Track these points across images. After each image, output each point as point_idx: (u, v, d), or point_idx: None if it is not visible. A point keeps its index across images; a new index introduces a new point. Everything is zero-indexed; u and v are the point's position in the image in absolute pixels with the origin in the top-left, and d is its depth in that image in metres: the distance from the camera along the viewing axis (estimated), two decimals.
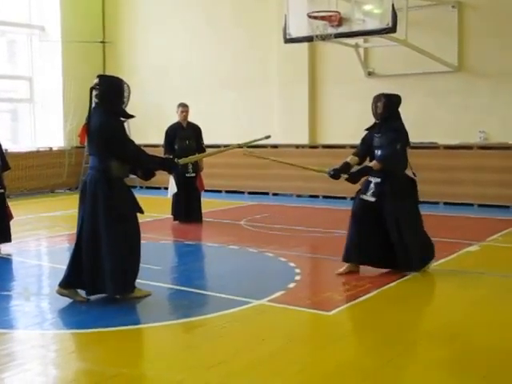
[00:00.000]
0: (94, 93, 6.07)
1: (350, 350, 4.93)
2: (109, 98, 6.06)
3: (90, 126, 6.10)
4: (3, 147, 8.78)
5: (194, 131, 10.83)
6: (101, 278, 5.99)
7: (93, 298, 6.17)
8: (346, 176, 7.19)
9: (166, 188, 10.83)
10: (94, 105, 6.10)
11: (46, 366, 4.70)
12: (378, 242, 6.99)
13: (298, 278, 6.99)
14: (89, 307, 6.04)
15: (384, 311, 5.91)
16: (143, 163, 6.29)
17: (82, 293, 6.13)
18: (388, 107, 7.26)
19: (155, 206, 11.75)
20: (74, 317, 5.85)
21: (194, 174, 10.61)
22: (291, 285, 6.68)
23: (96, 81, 6.12)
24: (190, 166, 10.46)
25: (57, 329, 5.49)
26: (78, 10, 16.84)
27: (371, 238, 6.98)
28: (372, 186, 7.12)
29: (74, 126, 16.57)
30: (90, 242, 6.01)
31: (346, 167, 7.25)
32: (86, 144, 6.34)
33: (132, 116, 6.25)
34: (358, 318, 5.77)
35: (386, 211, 6.96)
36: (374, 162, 7.11)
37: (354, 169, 7.27)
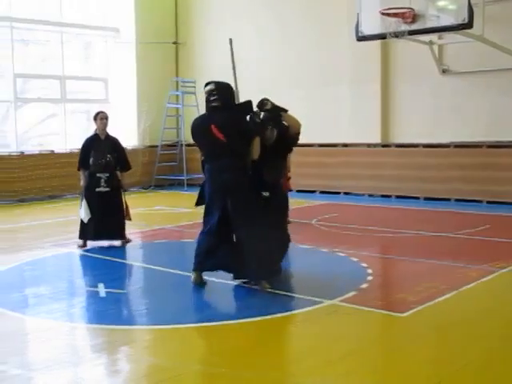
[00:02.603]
0: (212, 98, 6.47)
1: (424, 353, 4.82)
2: (228, 99, 6.51)
3: (220, 125, 6.38)
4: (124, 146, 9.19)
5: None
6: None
7: (164, 295, 6.26)
8: None
9: None
10: (211, 108, 6.50)
11: (119, 360, 4.78)
12: None
13: (370, 278, 6.90)
14: (162, 305, 6.12)
15: (460, 313, 5.76)
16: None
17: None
18: None
19: None
20: (148, 313, 5.94)
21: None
22: (363, 285, 6.59)
23: (211, 87, 6.51)
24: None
25: (132, 324, 5.58)
26: (151, 12, 17.12)
27: None
28: None
29: (147, 126, 16.88)
30: None
31: None
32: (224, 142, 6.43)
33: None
34: (432, 320, 5.62)
35: None
36: None
37: None
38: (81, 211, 8.73)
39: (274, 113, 6.57)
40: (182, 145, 16.81)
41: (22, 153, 14.82)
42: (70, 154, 15.01)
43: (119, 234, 8.86)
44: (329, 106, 14.97)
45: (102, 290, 6.64)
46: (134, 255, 8.66)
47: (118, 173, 8.95)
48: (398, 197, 13.78)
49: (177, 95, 17.35)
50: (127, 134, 17.03)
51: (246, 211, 6.35)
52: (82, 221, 8.73)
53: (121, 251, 9.11)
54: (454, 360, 4.59)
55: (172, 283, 6.87)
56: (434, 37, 12.86)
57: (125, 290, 6.74)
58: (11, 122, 15.38)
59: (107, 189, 8.74)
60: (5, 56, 15.27)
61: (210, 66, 16.58)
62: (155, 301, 6.29)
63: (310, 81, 15.19)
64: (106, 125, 8.99)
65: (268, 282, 6.42)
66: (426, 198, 13.38)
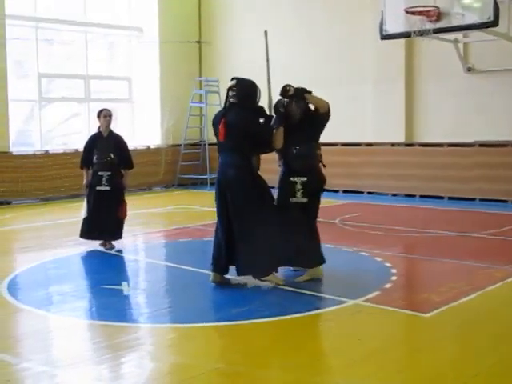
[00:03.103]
0: (231, 93, 6.55)
1: (448, 353, 4.77)
2: (246, 98, 6.53)
3: (228, 122, 6.48)
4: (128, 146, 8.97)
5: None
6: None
7: (187, 294, 6.28)
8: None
9: None
10: (228, 104, 6.58)
11: (142, 358, 4.79)
12: None
13: (394, 278, 6.85)
14: (185, 303, 6.14)
15: (484, 314, 5.70)
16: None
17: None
18: None
19: None
20: (171, 312, 5.96)
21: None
22: (387, 285, 6.55)
23: (233, 82, 6.59)
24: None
25: (155, 323, 5.60)
26: (174, 11, 17.17)
27: None
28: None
29: (170, 125, 16.94)
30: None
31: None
32: (221, 141, 6.57)
33: (271, 116, 6.66)
34: (456, 320, 5.57)
35: None
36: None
37: None
38: (82, 210, 8.64)
39: (298, 95, 6.62)
40: (205, 144, 16.84)
41: (47, 152, 14.95)
42: None
43: (113, 233, 8.60)
44: (353, 104, 14.89)
45: (125, 288, 6.67)
46: (157, 254, 8.69)
47: (123, 171, 8.73)
48: (421, 196, 13.68)
49: (200, 94, 17.38)
50: (151, 133, 17.14)
51: (244, 208, 6.40)
52: (83, 220, 8.63)
53: (144, 250, 9.17)
54: (479, 361, 4.55)
55: (194, 282, 6.88)
56: (458, 35, 12.75)
57: (148, 289, 6.76)
58: (36, 122, 15.52)
59: (108, 188, 8.51)
60: (30, 56, 15.43)
61: (234, 65, 16.59)
62: (177, 299, 6.31)
63: (333, 79, 15.12)
64: (109, 122, 8.74)
65: (276, 277, 6.54)
66: (451, 198, 13.27)
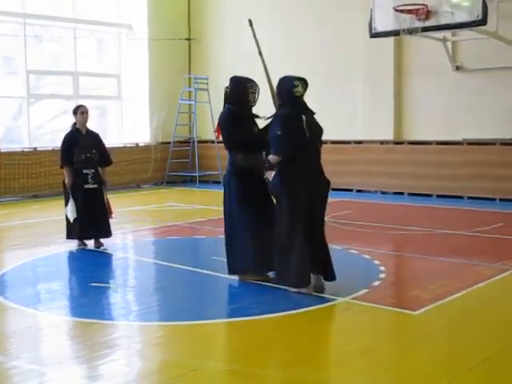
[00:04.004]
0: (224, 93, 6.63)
1: (436, 351, 4.78)
2: (230, 96, 6.57)
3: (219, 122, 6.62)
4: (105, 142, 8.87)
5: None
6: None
7: (177, 292, 6.27)
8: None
9: None
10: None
11: (131, 356, 4.79)
12: None
13: (382, 276, 6.87)
14: (175, 301, 6.13)
15: (472, 312, 5.73)
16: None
17: None
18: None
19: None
20: (160, 310, 5.95)
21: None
22: (376, 283, 6.57)
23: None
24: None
25: (143, 320, 5.59)
26: (164, 9, 17.12)
27: None
28: None
29: (159, 123, 16.90)
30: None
31: None
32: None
33: (257, 116, 6.65)
34: (445, 318, 5.59)
35: None
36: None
37: None
38: (67, 210, 8.43)
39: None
40: (194, 141, 16.81)
41: (35, 149, 14.87)
42: None
43: (106, 231, 8.57)
44: (342, 103, 14.91)
45: (114, 286, 6.66)
46: (147, 252, 8.66)
47: (100, 169, 8.61)
48: (410, 194, 13.73)
49: (189, 92, 17.35)
50: (140, 130, 17.09)
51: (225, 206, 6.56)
52: (67, 220, 8.47)
53: (133, 248, 9.14)
54: (467, 359, 4.56)
55: (184, 280, 6.88)
56: (447, 33, 12.81)
57: (137, 287, 6.75)
58: (24, 118, 15.44)
59: (95, 185, 8.44)
60: (18, 52, 15.33)
61: (224, 62, 16.58)
62: (166, 297, 6.30)
63: (322, 78, 15.12)
64: (86, 119, 8.54)
65: (247, 275, 6.54)
66: (439, 196, 13.33)
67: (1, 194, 13.93)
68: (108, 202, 8.66)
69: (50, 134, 16.74)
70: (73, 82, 16.38)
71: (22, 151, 14.67)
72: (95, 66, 17.18)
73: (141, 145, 16.92)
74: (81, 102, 16.24)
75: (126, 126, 17.37)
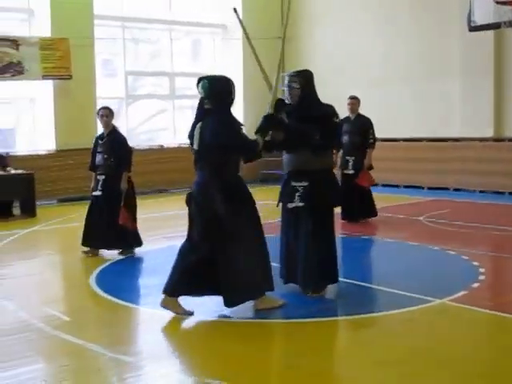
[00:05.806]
0: None
1: None
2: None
3: None
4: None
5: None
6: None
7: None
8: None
9: None
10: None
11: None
12: None
13: (482, 277, 6.64)
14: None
15: None
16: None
17: None
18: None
19: None
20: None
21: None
22: (475, 284, 6.36)
23: None
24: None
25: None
26: (257, 8, 17.21)
27: None
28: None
29: (254, 121, 16.99)
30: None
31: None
32: None
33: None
34: None
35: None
36: None
37: None
38: None
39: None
40: None
41: (133, 148, 15.22)
42: (178, 149, 15.37)
43: (113, 242, 8.04)
44: (439, 99, 14.53)
45: None
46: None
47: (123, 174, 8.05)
48: (511, 193, 13.23)
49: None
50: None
51: None
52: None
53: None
54: None
55: None
56: None
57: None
58: (123, 118, 15.89)
59: (99, 193, 8.02)
60: (117, 54, 15.82)
61: (317, 60, 16.51)
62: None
63: (419, 74, 14.82)
64: (106, 122, 8.08)
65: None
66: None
67: None
68: (124, 211, 7.94)
69: (147, 133, 17.19)
70: (169, 82, 16.74)
71: None
72: (191, 66, 17.48)
73: None
74: (177, 102, 16.73)
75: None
